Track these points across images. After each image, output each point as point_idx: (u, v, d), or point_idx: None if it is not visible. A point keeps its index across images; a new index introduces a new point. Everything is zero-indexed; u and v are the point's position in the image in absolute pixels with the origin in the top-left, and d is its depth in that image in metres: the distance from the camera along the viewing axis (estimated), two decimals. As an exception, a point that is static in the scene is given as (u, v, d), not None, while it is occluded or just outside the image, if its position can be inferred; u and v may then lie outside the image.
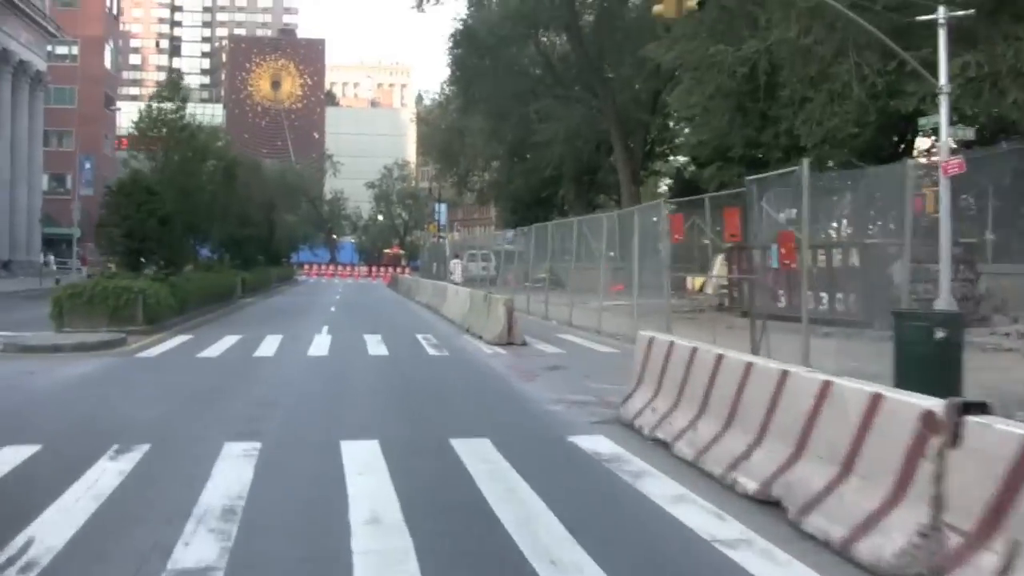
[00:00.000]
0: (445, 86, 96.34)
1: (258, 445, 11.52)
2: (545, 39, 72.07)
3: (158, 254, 32.33)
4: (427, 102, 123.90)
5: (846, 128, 33.22)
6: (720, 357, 10.91)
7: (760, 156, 41.36)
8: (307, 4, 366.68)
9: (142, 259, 32.50)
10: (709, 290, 44.35)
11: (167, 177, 37.71)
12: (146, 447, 11.41)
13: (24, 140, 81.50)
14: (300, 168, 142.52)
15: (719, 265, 43.40)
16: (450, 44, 72.03)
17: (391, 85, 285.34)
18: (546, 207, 75.69)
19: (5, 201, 77.44)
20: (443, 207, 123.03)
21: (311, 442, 12.05)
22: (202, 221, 43.40)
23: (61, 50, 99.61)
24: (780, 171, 19.88)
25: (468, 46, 68.62)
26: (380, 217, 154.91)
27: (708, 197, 23.44)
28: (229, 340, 26.00)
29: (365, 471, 10.22)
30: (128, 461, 10.67)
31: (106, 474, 10.04)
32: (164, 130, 40.96)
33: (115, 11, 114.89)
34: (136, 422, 13.30)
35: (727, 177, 41.78)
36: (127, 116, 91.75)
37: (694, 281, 46.03)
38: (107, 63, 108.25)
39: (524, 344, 25.20)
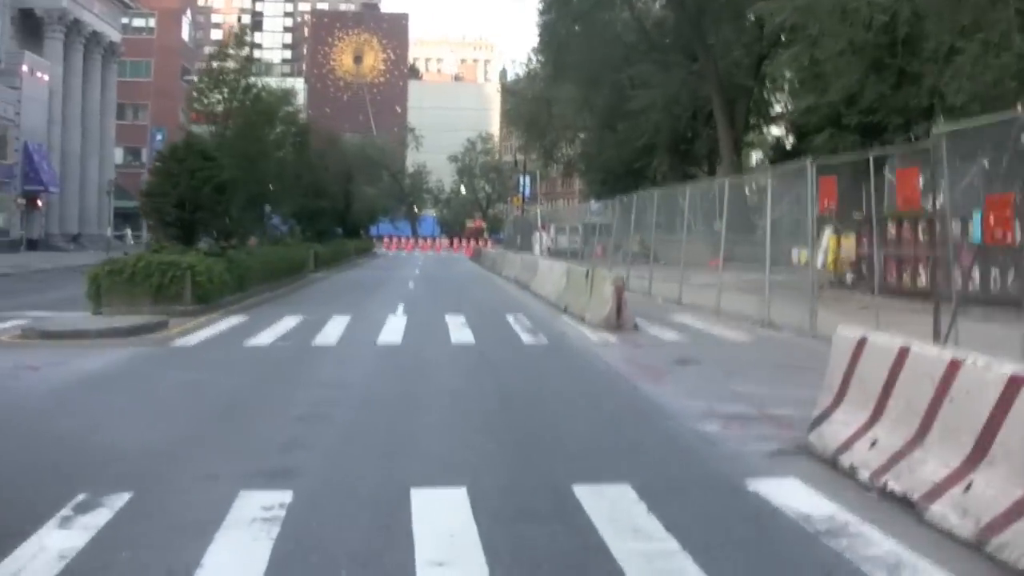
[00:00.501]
0: (533, 55, 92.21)
1: (287, 497, 7.66)
2: (640, 3, 67.88)
3: (214, 225, 28.63)
4: (512, 75, 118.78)
5: (1002, 84, 28.56)
6: (1018, 382, 6.74)
7: (877, 122, 37.19)
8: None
9: (200, 231, 28.94)
10: (818, 264, 40.15)
11: (227, 142, 34.06)
12: (124, 499, 7.63)
13: (96, 113, 79.25)
14: (381, 142, 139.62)
15: (829, 237, 39.32)
16: (540, 8, 68.27)
17: (475, 61, 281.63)
18: (637, 178, 71.21)
19: (76, 174, 75.16)
20: (527, 179, 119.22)
21: (367, 489, 8.08)
22: (269, 190, 39.79)
23: (138, 23, 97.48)
24: (985, 120, 15.50)
25: (559, 10, 64.60)
26: (463, 190, 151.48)
27: (873, 157, 18.91)
28: (288, 323, 22.26)
29: (447, 557, 6.32)
30: (83, 530, 6.87)
31: (37, 562, 6.22)
32: (225, 91, 37.28)
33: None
34: (127, 451, 9.47)
35: (841, 145, 37.78)
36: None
37: (800, 255, 41.84)
38: (184, 35, 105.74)
39: (636, 329, 21.09)
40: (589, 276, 23.88)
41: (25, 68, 66.11)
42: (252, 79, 39.93)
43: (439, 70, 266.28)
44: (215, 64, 40.02)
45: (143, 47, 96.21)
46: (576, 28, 65.18)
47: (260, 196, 38.38)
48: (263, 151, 37.59)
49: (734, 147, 57.90)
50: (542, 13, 68.15)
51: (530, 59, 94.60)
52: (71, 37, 74.10)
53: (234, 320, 22.83)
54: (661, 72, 60.08)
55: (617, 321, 20.99)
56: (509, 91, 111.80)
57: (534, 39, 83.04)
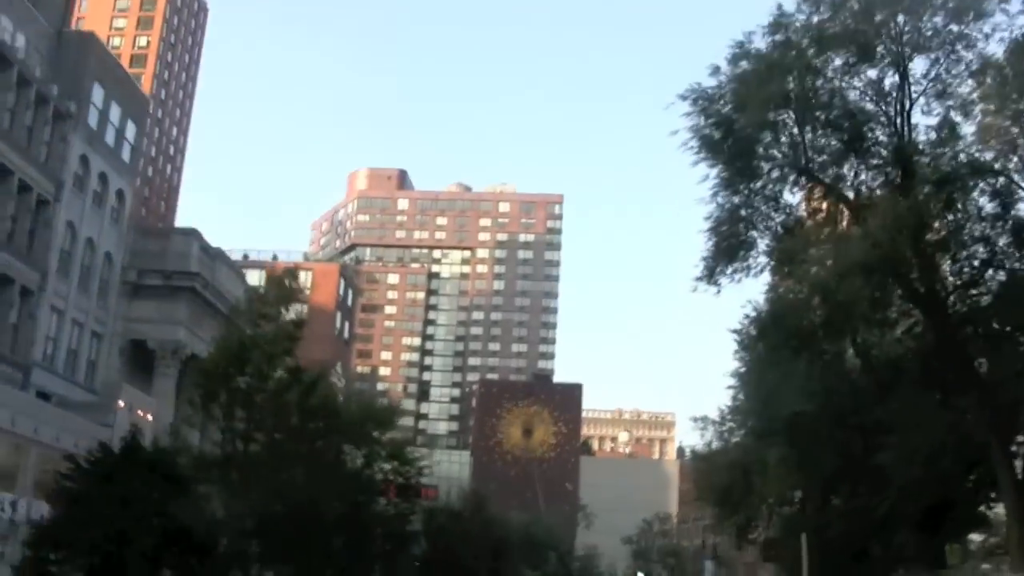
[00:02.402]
0: (726, 414, 77.43)
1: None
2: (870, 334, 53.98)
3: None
4: (695, 440, 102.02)
5: None
6: None
7: None
8: (565, 348, 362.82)
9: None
10: None
11: (247, 459, 20.61)
12: None
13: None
14: (549, 522, 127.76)
15: None
16: (737, 346, 55.47)
17: (649, 440, 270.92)
18: (867, 562, 55.48)
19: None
20: (712, 564, 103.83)
21: None
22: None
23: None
24: None
25: (768, 342, 51.01)
26: (640, 575, 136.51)
27: None
28: None
29: None
30: None
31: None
32: (247, 369, 24.05)
33: (346, 335, 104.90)
34: None
35: None
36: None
37: None
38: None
39: None
40: None
41: (122, 403, 55.47)
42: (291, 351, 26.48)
43: (612, 448, 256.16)
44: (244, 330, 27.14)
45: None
46: (784, 367, 51.14)
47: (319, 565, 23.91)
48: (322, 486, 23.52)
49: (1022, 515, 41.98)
50: (738, 350, 55.54)
51: (723, 418, 79.12)
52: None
53: None
54: (913, 414, 45.19)
55: None
56: (699, 458, 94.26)
57: (718, 400, 70.53)
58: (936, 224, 44.27)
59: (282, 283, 30.26)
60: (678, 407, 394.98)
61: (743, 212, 46.42)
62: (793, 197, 46.35)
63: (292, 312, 29.05)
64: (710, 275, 46.10)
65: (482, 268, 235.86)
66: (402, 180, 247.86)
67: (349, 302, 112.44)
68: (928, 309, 44.57)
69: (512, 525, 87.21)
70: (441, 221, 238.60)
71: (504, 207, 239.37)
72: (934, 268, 44.84)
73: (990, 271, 45.95)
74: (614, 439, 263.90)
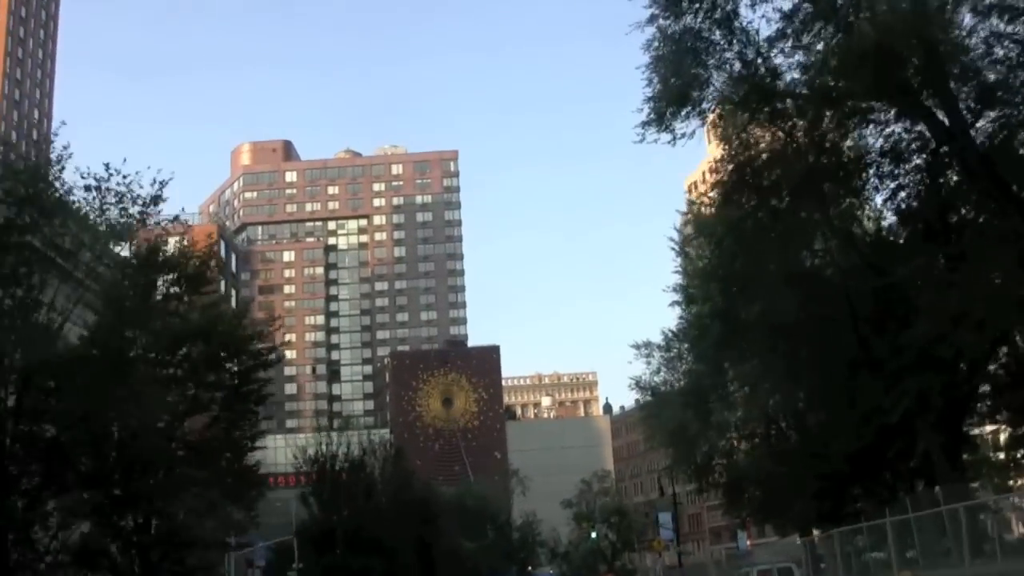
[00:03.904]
0: (668, 337, 66.05)
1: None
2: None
3: None
4: (641, 373, 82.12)
5: None
6: None
7: None
8: (476, 312, 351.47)
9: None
10: None
11: None
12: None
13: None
14: (480, 490, 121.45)
15: None
16: (676, 253, 45.58)
17: (573, 402, 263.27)
18: (867, 489, 46.10)
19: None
20: (668, 517, 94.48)
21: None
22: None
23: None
24: None
25: (731, 208, 40.56)
26: (593, 535, 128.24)
27: None
28: None
29: None
30: None
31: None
32: None
33: (233, 305, 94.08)
34: None
35: None
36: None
37: None
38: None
39: None
40: None
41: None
42: None
43: (535, 414, 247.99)
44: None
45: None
46: (756, 252, 40.59)
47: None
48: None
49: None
50: (679, 259, 45.79)
51: (668, 342, 67.02)
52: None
53: None
54: (940, 279, 35.00)
55: None
56: (646, 391, 79.20)
57: (676, 305, 60.13)
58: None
59: None
60: (599, 366, 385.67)
61: (689, 43, 35.58)
62: (753, 13, 35.22)
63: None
64: (659, 119, 35.27)
65: (380, 236, 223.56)
66: (288, 151, 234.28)
67: (234, 267, 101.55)
68: (950, 135, 34.05)
69: (443, 497, 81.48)
70: (333, 190, 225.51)
71: (397, 169, 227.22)
72: (949, 90, 34.30)
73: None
74: (536, 405, 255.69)
